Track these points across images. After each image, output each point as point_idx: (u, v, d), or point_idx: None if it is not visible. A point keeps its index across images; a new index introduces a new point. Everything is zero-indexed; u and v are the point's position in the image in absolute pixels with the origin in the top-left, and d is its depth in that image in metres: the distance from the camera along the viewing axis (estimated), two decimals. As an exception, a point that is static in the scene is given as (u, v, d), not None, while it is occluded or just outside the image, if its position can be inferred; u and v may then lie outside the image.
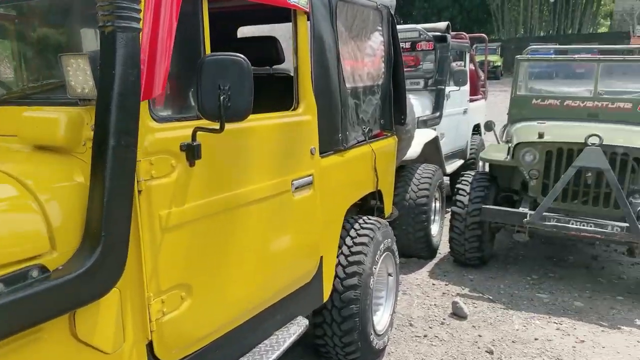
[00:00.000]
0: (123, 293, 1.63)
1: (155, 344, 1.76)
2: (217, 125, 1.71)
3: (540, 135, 4.20)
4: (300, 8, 2.36)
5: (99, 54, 1.48)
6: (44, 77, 2.10)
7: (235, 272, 2.08)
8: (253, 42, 3.24)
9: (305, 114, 2.46)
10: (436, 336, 3.51)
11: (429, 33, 5.73)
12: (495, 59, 25.22)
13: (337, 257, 2.87)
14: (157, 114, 1.73)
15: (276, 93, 2.79)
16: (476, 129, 7.09)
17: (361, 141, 3.05)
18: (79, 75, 1.58)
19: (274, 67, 2.97)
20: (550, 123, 4.85)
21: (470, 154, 6.81)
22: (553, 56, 6.96)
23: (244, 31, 3.61)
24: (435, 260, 4.90)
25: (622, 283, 4.39)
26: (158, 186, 1.71)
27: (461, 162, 6.43)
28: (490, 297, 4.09)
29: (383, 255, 3.12)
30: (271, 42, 2.83)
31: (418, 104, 5.10)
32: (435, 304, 3.98)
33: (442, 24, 5.95)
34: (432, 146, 5.15)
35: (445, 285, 4.34)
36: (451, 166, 5.99)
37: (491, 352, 3.31)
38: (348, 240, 2.92)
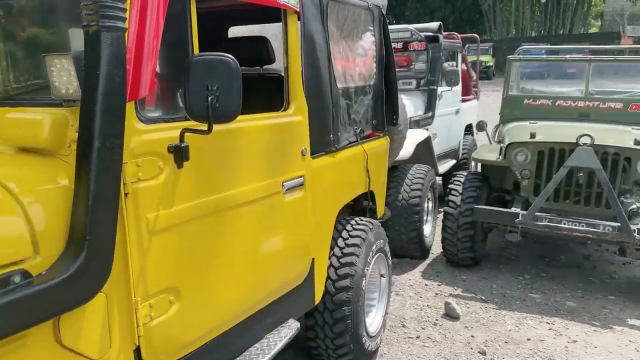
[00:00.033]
0: (109, 298, 1.59)
1: (143, 349, 1.73)
2: (205, 127, 1.69)
3: (532, 135, 4.21)
4: (290, 8, 2.34)
5: (83, 54, 1.45)
6: (28, 77, 2.06)
7: (224, 275, 2.05)
8: (243, 42, 3.22)
9: (296, 115, 2.44)
10: (429, 337, 3.50)
11: (421, 33, 5.72)
12: (487, 59, 25.33)
13: (329, 258, 2.85)
14: (143, 115, 1.70)
15: (267, 93, 2.77)
16: (468, 129, 7.09)
17: (353, 142, 3.03)
18: (63, 75, 1.55)
19: (265, 67, 2.94)
20: (542, 123, 4.86)
21: (463, 154, 6.83)
22: (545, 56, 6.97)
23: (235, 31, 3.59)
24: (427, 261, 4.89)
25: (614, 282, 4.40)
26: (145, 188, 1.68)
27: (453, 162, 6.44)
28: (483, 298, 4.09)
29: (375, 256, 3.10)
30: (261, 42, 2.80)
31: (410, 104, 5.09)
32: (427, 305, 3.97)
33: (434, 24, 5.95)
34: (425, 146, 5.14)
35: (438, 285, 4.33)
36: (443, 166, 5.99)
37: (484, 353, 3.31)
38: (340, 242, 2.90)
